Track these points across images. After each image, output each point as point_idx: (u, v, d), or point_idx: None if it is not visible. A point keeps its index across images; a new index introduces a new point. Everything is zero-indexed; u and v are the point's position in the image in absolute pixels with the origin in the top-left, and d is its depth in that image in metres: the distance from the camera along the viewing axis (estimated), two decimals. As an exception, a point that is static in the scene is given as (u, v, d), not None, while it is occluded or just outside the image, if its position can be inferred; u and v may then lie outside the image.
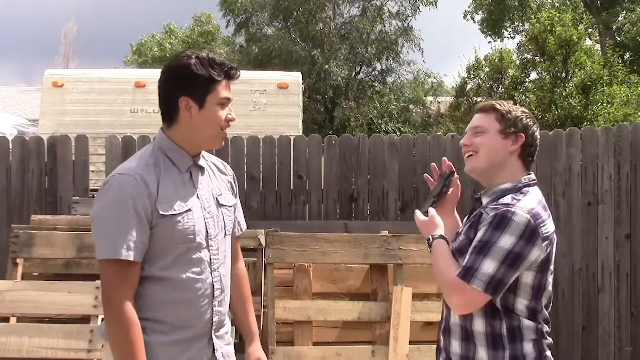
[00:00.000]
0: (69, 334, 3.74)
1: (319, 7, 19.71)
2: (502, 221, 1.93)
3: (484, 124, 2.10)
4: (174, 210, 1.92)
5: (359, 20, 19.98)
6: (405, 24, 20.35)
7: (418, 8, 20.40)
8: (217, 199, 2.07)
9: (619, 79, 15.04)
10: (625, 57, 18.18)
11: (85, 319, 3.86)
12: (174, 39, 28.44)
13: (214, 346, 2.03)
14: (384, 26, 20.32)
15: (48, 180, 4.87)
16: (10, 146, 4.89)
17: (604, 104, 13.84)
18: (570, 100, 13.78)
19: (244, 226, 2.24)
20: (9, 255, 4.04)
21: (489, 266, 1.91)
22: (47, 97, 7.34)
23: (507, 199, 2.00)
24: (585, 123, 12.25)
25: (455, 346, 2.07)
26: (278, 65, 17.63)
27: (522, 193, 2.03)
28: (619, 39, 21.15)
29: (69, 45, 26.54)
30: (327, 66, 18.25)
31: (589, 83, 13.82)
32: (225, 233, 2.08)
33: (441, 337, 2.15)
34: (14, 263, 4.04)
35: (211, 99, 1.96)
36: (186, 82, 1.95)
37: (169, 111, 1.99)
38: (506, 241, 1.91)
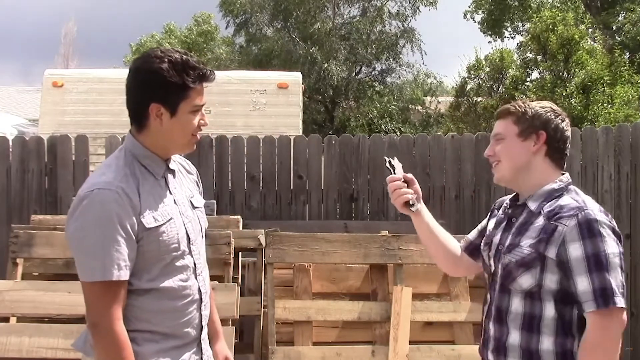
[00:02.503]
0: (69, 334, 3.72)
1: (318, 7, 19.71)
2: (592, 228, 1.84)
3: (502, 131, 2.01)
4: (158, 221, 1.84)
5: (359, 20, 19.98)
6: (405, 25, 20.36)
7: (418, 8, 20.42)
8: (191, 201, 2.01)
9: (624, 79, 14.98)
10: (625, 57, 18.12)
11: (85, 319, 3.85)
12: (173, 39, 28.41)
13: (202, 350, 2.00)
14: (384, 27, 20.33)
15: (48, 180, 4.88)
16: (10, 146, 4.89)
17: (605, 104, 13.82)
18: (571, 100, 13.76)
19: (206, 224, 2.12)
20: (9, 255, 4.04)
21: (616, 276, 1.84)
22: (47, 97, 7.34)
23: (568, 201, 1.91)
24: (585, 123, 12.22)
25: None
26: (278, 65, 17.61)
27: (574, 192, 1.96)
28: (619, 39, 21.13)
29: (69, 45, 26.59)
30: (326, 64, 18.24)
31: (589, 83, 13.79)
32: (202, 235, 2.03)
33: (490, 358, 1.99)
34: (14, 263, 4.04)
35: (184, 107, 1.85)
36: (157, 89, 1.82)
37: (138, 116, 1.88)
38: (611, 245, 1.86)
